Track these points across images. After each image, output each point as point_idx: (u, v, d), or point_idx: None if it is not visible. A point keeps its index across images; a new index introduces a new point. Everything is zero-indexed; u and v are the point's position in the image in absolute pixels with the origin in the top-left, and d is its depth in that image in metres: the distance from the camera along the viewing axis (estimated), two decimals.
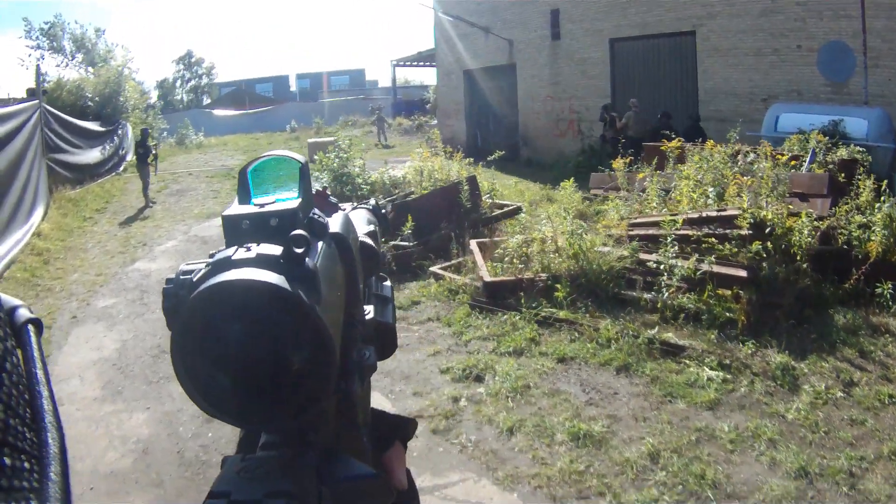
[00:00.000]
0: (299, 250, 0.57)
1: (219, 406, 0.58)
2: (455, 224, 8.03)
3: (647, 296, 5.85)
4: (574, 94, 15.48)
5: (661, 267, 5.94)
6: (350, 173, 10.44)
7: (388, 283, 0.93)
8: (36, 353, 0.49)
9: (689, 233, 6.29)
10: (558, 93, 15.94)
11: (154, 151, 14.48)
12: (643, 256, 6.41)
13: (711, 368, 4.63)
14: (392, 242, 7.81)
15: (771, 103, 11.97)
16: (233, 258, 0.57)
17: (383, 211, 1.08)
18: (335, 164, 10.45)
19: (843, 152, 8.48)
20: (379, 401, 4.64)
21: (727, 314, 5.38)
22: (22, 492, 0.40)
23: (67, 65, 26.33)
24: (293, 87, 51.77)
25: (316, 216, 0.70)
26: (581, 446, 3.81)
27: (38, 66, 14.66)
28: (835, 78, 11.24)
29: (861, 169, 7.46)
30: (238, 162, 21.53)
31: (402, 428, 0.88)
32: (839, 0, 11.07)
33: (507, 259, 6.68)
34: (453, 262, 7.26)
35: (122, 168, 19.24)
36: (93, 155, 17.16)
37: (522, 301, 5.97)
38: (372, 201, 1.06)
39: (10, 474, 0.40)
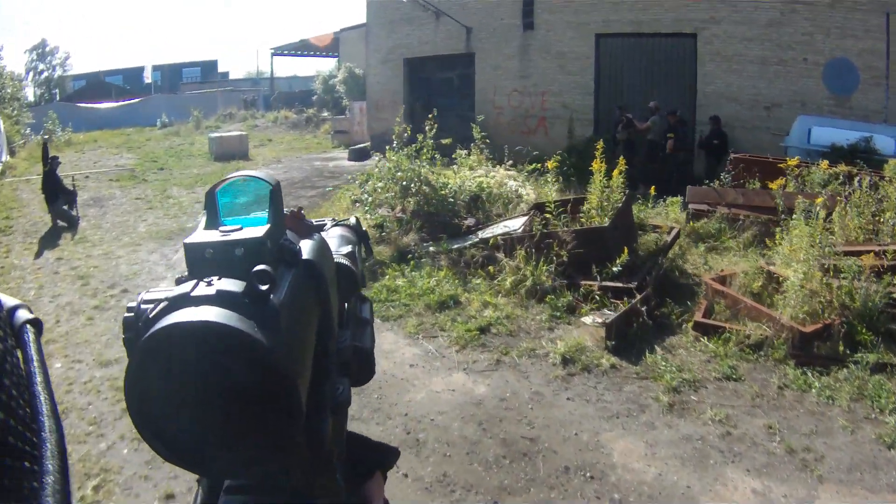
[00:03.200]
0: (263, 287, 0.55)
1: (178, 453, 0.55)
2: (634, 254, 6.61)
3: None
4: (549, 90, 14.45)
5: None
6: (434, 185, 8.18)
7: (367, 303, 0.90)
8: (35, 354, 0.48)
9: None
10: (528, 87, 14.77)
11: (72, 186, 10.83)
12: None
13: None
14: (602, 282, 6.15)
15: (774, 112, 12.23)
16: (191, 294, 0.55)
17: (364, 229, 1.06)
18: (409, 172, 8.11)
19: None
20: None
21: None
22: (21, 492, 0.40)
23: None
24: (148, 80, 46.44)
25: (287, 242, 0.66)
26: None
27: None
28: (840, 92, 11.77)
29: None
30: (128, 161, 18.06)
31: (383, 457, 0.90)
32: (846, 21, 11.56)
33: (792, 301, 5.50)
34: (700, 305, 5.87)
35: None
36: None
37: (841, 349, 5.16)
38: (352, 219, 1.04)
39: (10, 474, 0.39)
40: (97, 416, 4.71)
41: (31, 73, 48.42)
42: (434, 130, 8.81)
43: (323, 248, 0.74)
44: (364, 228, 1.03)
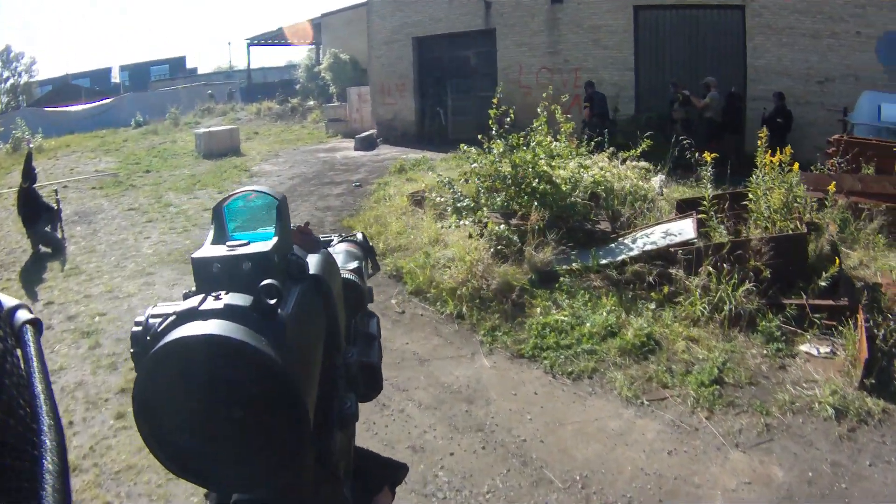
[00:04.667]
0: (271, 301, 0.54)
1: (187, 467, 0.54)
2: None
3: None
4: (582, 66, 13.55)
5: None
6: (556, 182, 7.08)
7: (374, 319, 0.89)
8: (35, 354, 0.48)
9: None
10: (558, 64, 13.83)
11: (55, 203, 9.11)
12: None
13: None
14: (809, 300, 5.40)
15: (828, 87, 11.88)
16: (200, 308, 0.54)
17: (371, 244, 1.03)
18: (531, 168, 7.02)
19: None
20: None
21: None
22: (21, 492, 0.39)
23: None
24: (116, 80, 44.47)
25: (294, 257, 0.66)
26: None
27: None
28: (894, 66, 11.51)
29: None
30: (108, 165, 16.21)
31: (391, 472, 0.88)
32: None
33: None
34: None
35: None
36: None
37: None
38: (358, 235, 1.01)
39: (10, 475, 0.39)
40: None
41: None
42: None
43: (330, 263, 0.74)
44: (370, 244, 1.01)
